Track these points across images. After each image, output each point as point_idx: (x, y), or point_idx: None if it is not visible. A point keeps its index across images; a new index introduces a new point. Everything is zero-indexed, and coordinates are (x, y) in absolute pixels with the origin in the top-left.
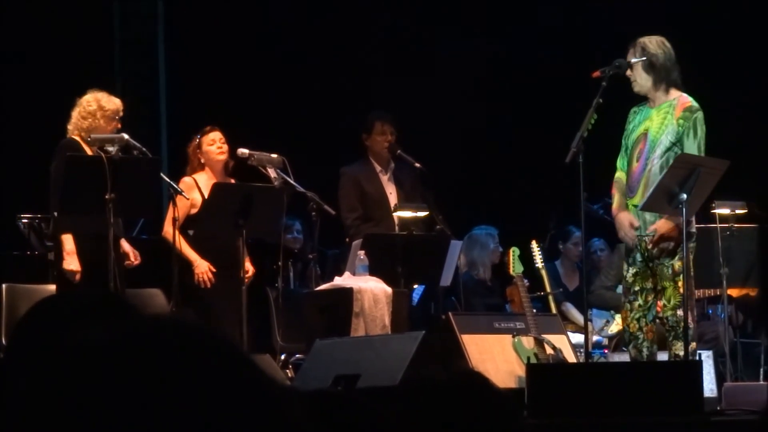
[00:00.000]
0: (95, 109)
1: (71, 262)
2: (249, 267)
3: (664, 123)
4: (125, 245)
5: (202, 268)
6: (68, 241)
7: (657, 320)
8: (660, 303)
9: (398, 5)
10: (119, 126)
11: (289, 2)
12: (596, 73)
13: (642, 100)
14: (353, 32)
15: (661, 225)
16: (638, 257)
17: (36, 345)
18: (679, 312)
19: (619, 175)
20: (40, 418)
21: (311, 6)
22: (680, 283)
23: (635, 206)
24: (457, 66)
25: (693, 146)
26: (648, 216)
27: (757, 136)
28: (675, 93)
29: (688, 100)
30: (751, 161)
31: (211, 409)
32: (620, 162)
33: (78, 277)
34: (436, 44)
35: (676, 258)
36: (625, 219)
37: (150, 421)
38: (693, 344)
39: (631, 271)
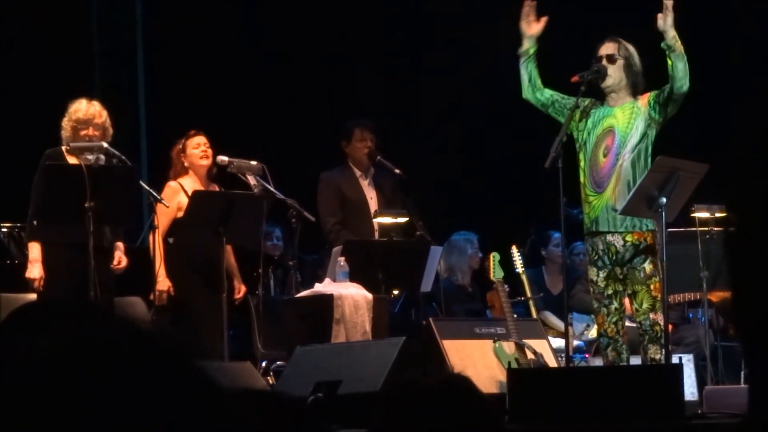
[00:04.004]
0: (66, 120)
1: (32, 270)
2: (241, 287)
3: (632, 117)
4: (117, 249)
5: (163, 286)
6: (33, 249)
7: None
8: (629, 306)
9: (380, 12)
10: (91, 134)
11: (270, 9)
12: (575, 78)
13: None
14: (333, 39)
15: None
16: (606, 260)
17: (6, 354)
18: (652, 315)
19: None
20: None
21: (292, 13)
22: (653, 286)
23: (615, 210)
24: (437, 73)
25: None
26: (619, 216)
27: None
28: (637, 95)
29: (648, 93)
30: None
31: (155, 419)
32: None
33: (37, 284)
34: (417, 52)
35: (648, 261)
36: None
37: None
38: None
39: (602, 275)
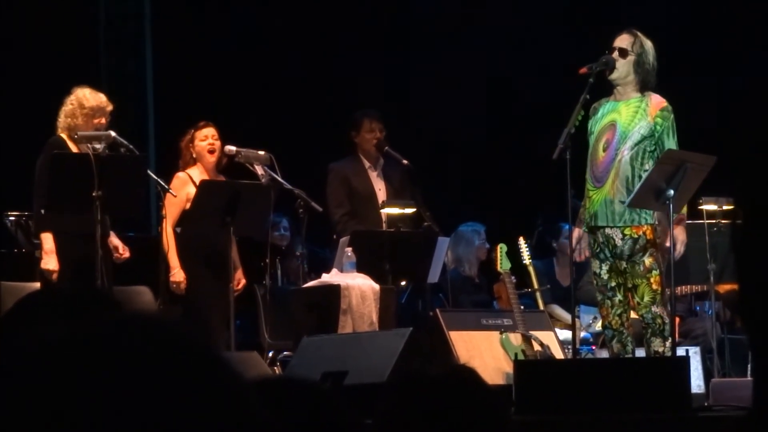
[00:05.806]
0: (75, 108)
1: (48, 261)
2: (241, 278)
3: (636, 116)
4: (114, 239)
5: (178, 278)
6: (47, 239)
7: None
8: (632, 299)
9: (386, 2)
10: (103, 122)
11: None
12: (583, 70)
13: (603, 95)
14: (341, 29)
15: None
16: (607, 253)
17: (15, 342)
18: (654, 308)
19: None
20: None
21: (298, 2)
22: (653, 279)
23: (622, 202)
24: (445, 64)
25: (674, 146)
26: (617, 207)
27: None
28: (645, 91)
29: (661, 99)
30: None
31: (171, 409)
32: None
33: (55, 276)
34: (424, 42)
35: (647, 255)
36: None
37: (106, 423)
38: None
39: (605, 267)
